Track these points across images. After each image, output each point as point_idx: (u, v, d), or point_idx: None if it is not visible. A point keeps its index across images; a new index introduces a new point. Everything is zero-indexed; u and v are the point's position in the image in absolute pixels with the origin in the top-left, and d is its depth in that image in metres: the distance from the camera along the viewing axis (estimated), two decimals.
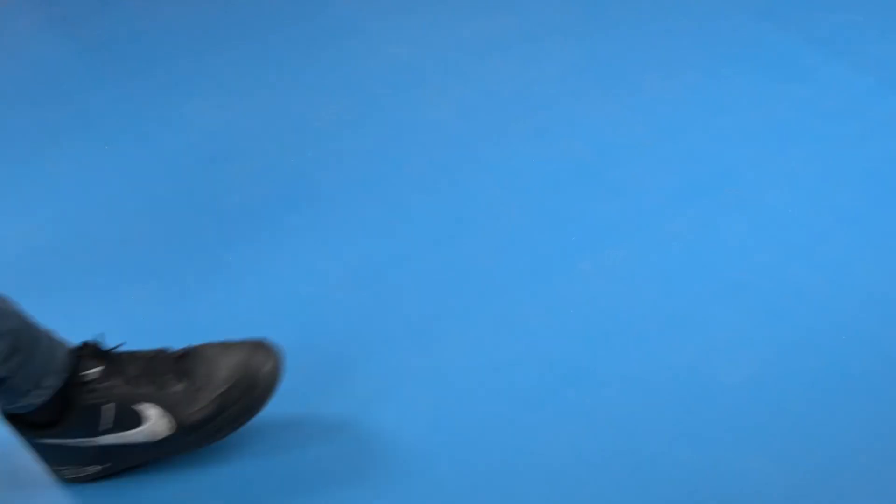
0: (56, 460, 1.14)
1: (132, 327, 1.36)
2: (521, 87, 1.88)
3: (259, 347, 1.14)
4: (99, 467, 1.15)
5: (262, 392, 1.14)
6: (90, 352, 1.10)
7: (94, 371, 1.09)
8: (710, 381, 1.26)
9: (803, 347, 1.31)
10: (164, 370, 1.12)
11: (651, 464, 1.16)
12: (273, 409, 1.16)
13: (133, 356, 1.13)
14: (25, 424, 1.10)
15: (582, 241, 1.50)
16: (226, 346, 1.15)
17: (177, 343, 1.17)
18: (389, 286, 1.43)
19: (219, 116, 1.83)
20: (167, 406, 1.11)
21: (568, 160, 1.67)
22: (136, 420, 1.11)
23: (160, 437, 1.12)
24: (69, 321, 1.15)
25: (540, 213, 1.56)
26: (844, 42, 1.97)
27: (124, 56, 2.04)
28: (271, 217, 1.57)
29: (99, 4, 2.21)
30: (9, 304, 1.03)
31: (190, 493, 1.16)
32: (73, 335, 1.12)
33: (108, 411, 1.09)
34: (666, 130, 1.73)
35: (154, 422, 1.11)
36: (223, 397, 1.12)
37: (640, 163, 1.66)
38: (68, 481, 1.17)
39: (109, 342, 1.14)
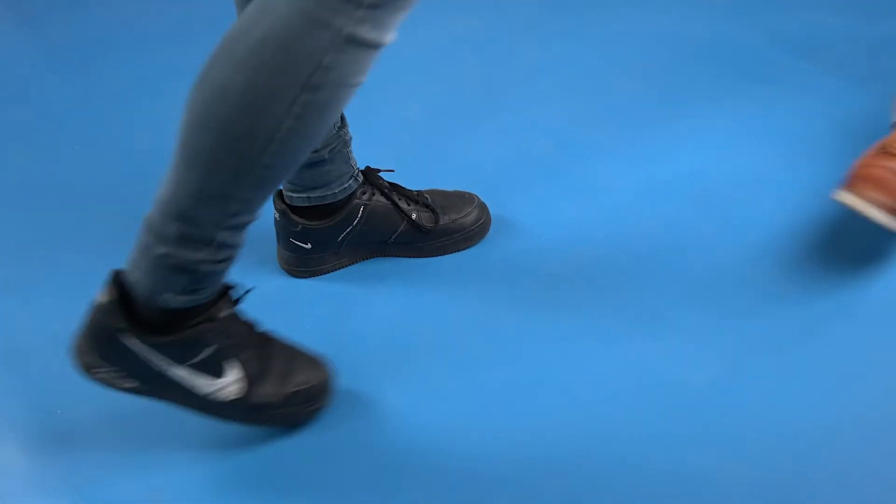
0: (111, 358, 1.11)
1: None
2: (490, 87, 1.89)
3: (328, 370, 1.23)
4: (136, 385, 1.14)
5: (317, 409, 1.23)
6: (228, 296, 1.14)
7: (224, 313, 1.13)
8: (677, 382, 1.28)
9: (768, 346, 1.32)
10: (256, 344, 1.18)
11: (622, 465, 1.17)
12: None
13: (242, 319, 1.17)
14: (130, 319, 1.09)
15: (550, 242, 1.52)
16: (299, 352, 1.23)
17: None
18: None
19: None
20: (247, 376, 1.16)
21: (533, 160, 1.69)
22: (216, 372, 1.14)
23: (219, 399, 1.16)
24: (32, 322, 1.15)
25: (504, 211, 1.57)
26: (812, 42, 1.99)
27: (92, 55, 2.04)
28: None
29: (66, 4, 2.21)
30: None
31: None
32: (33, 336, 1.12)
33: (206, 352, 1.12)
34: (632, 130, 1.75)
35: (228, 383, 1.15)
36: (292, 396, 1.19)
37: (606, 163, 1.67)
38: (96, 379, 1.14)
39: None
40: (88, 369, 1.13)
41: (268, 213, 1.46)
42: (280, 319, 1.36)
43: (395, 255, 1.49)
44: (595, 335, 1.34)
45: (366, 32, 0.93)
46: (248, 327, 1.18)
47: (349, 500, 1.15)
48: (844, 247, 1.47)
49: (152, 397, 1.15)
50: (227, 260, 1.08)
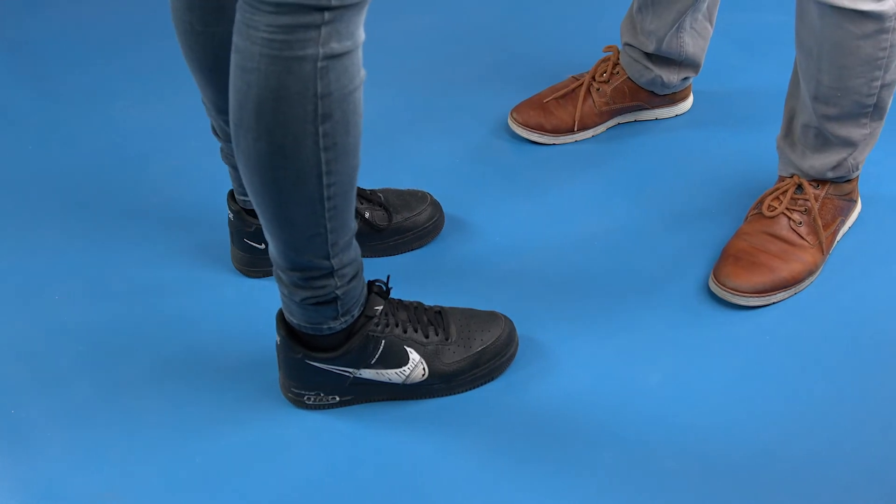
0: (309, 384, 1.23)
1: (54, 329, 1.38)
2: (443, 86, 1.90)
3: (507, 321, 1.31)
4: (340, 398, 1.25)
5: (507, 360, 1.30)
6: (377, 290, 1.23)
7: (379, 308, 1.20)
8: (630, 382, 1.29)
9: (723, 347, 1.34)
10: (426, 321, 1.25)
11: (575, 464, 1.19)
12: None
13: (401, 303, 1.26)
14: (307, 346, 1.19)
15: (502, 241, 1.54)
16: (473, 313, 1.31)
17: None
18: None
19: (142, 117, 1.83)
20: (426, 354, 1.24)
21: (488, 160, 1.71)
22: (401, 360, 1.23)
23: (413, 380, 1.24)
24: None
25: (458, 211, 1.58)
26: (767, 43, 2.01)
27: (47, 57, 2.02)
28: (192, 217, 1.58)
29: (21, 5, 2.19)
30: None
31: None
32: None
33: (381, 347, 1.21)
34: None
35: (414, 366, 1.23)
36: (479, 356, 1.26)
37: (558, 163, 1.69)
38: (304, 407, 1.25)
39: None
40: (298, 400, 1.25)
41: (222, 214, 1.47)
42: (234, 318, 1.38)
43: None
44: (546, 333, 1.36)
45: (337, 46, 0.97)
46: (412, 308, 1.26)
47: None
48: None
49: (362, 402, 1.26)
50: (356, 276, 1.16)
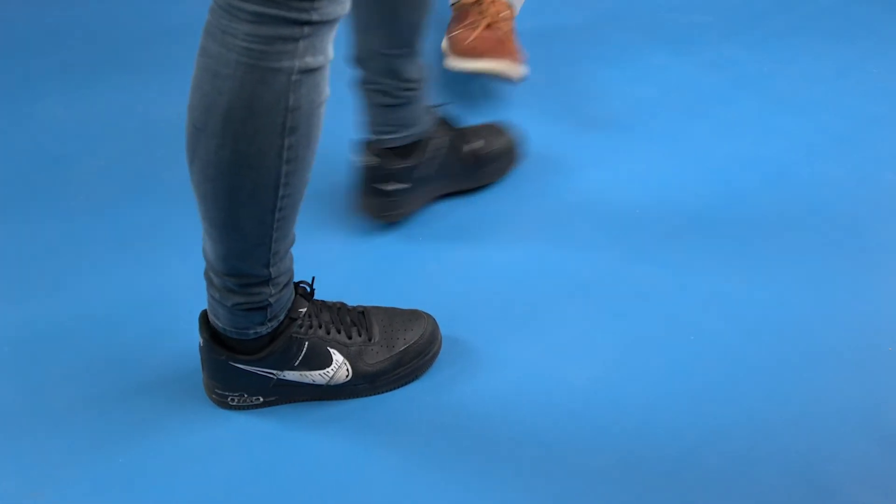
0: (233, 386, 1.23)
1: None
2: None
3: (430, 319, 1.32)
4: (263, 399, 1.25)
5: (431, 358, 1.31)
6: (301, 292, 1.23)
7: (303, 310, 1.21)
8: (558, 381, 1.31)
9: (648, 348, 1.36)
10: (349, 322, 1.26)
11: (499, 463, 1.20)
12: None
13: (324, 303, 1.27)
14: (231, 349, 1.20)
15: (430, 238, 1.55)
16: (396, 312, 1.31)
17: None
18: None
19: (67, 116, 1.82)
20: (349, 355, 1.24)
21: None
22: (324, 362, 1.23)
23: (337, 382, 1.25)
24: None
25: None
26: (691, 42, 2.05)
27: None
28: (118, 217, 1.57)
29: None
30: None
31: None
32: None
33: (304, 349, 1.21)
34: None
35: (337, 367, 1.24)
36: (401, 355, 1.27)
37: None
38: (228, 408, 1.26)
39: None
40: (222, 401, 1.25)
41: (147, 215, 1.46)
42: (159, 317, 1.37)
43: (453, 190, 1.61)
44: (471, 332, 1.38)
45: (311, 60, 0.99)
46: (335, 309, 1.27)
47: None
48: (727, 247, 1.54)
49: (286, 403, 1.26)
50: (288, 284, 1.17)
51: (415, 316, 1.31)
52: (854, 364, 1.33)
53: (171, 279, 1.46)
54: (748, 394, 1.29)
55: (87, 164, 1.70)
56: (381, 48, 1.41)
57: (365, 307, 1.31)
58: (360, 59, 1.44)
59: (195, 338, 1.25)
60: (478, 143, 1.60)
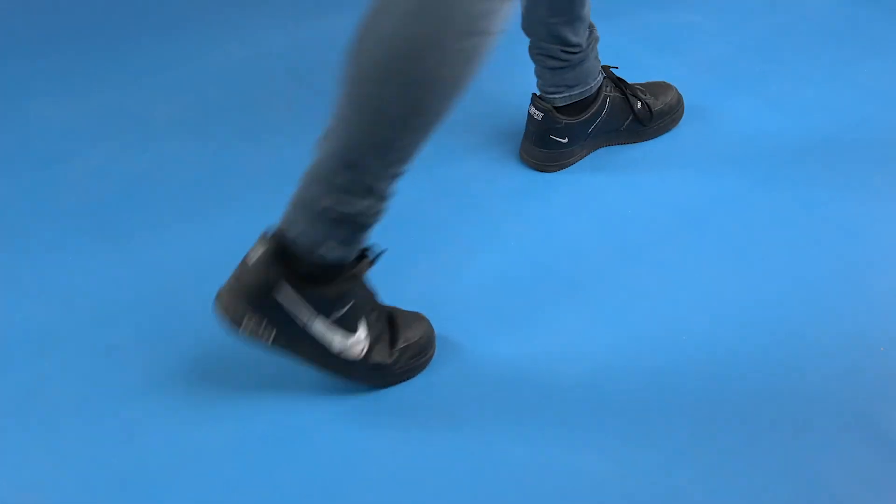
0: (259, 309, 1.16)
1: None
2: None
3: (430, 323, 1.33)
4: (275, 335, 1.18)
5: (426, 360, 1.32)
6: (367, 257, 1.21)
7: (364, 271, 1.20)
8: (549, 378, 1.31)
9: (641, 348, 1.36)
10: (379, 309, 1.27)
11: (489, 462, 1.20)
12: None
13: (368, 283, 1.24)
14: (287, 269, 1.14)
15: (417, 242, 1.54)
16: (400, 312, 1.31)
17: None
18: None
19: (58, 116, 1.81)
20: (369, 335, 1.24)
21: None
22: (352, 328, 1.22)
23: (348, 357, 1.23)
24: None
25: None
26: (680, 42, 2.05)
27: None
28: (109, 219, 1.57)
29: None
30: None
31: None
32: None
33: (347, 308, 1.19)
34: (504, 132, 1.79)
35: (358, 340, 1.23)
36: (401, 353, 1.28)
37: (474, 162, 1.71)
38: (241, 330, 1.17)
39: None
40: (236, 323, 1.17)
41: (141, 215, 1.45)
42: (146, 318, 1.37)
43: (621, 143, 1.73)
44: (465, 334, 1.38)
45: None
46: (372, 291, 1.26)
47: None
48: (720, 246, 1.55)
49: (288, 351, 1.21)
50: (381, 213, 1.15)
51: (416, 317, 1.32)
52: (847, 364, 1.34)
53: (167, 278, 1.45)
54: (740, 394, 1.29)
55: (78, 165, 1.69)
56: (545, 17, 1.54)
57: (380, 301, 1.30)
58: (528, 28, 1.58)
59: (192, 337, 1.25)
60: (649, 99, 1.72)
